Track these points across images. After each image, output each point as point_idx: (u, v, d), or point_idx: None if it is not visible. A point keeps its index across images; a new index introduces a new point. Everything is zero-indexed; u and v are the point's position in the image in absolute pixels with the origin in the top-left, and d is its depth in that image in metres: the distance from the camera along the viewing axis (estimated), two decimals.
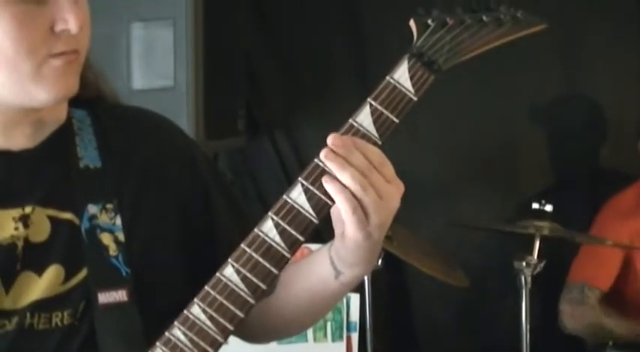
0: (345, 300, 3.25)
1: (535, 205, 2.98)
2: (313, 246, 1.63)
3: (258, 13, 3.82)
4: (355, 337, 3.41)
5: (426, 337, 3.95)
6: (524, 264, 2.96)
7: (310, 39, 3.87)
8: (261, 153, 3.93)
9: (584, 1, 3.84)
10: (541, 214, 3.02)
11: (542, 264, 2.98)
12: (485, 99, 3.80)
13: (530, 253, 2.95)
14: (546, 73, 3.88)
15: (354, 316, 3.43)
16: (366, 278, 3.14)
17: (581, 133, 3.96)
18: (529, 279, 2.98)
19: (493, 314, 3.76)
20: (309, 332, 3.39)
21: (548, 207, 2.95)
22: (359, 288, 3.17)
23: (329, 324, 3.40)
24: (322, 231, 1.45)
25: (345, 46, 3.89)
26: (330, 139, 1.37)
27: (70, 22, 1.41)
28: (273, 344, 1.80)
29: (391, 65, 1.42)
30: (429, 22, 1.41)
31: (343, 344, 3.38)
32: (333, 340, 3.38)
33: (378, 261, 1.50)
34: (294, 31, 3.88)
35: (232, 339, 1.46)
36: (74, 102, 1.56)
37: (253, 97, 3.82)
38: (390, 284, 3.78)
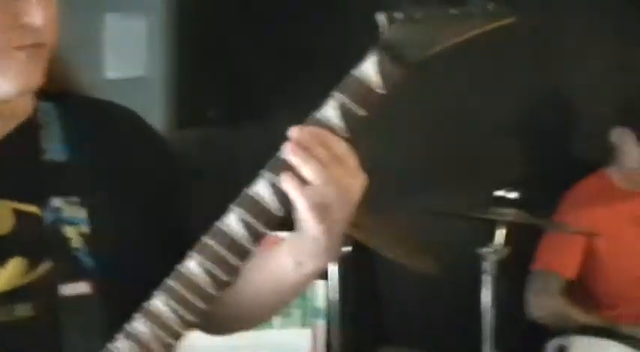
0: (311, 287, 3.26)
1: (499, 193, 3.00)
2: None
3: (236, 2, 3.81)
4: (322, 324, 3.42)
5: (393, 323, 3.98)
6: (488, 250, 2.99)
7: (287, 29, 3.87)
8: (234, 144, 3.93)
9: None
10: (506, 201, 3.04)
11: (506, 250, 3.00)
12: (458, 88, 3.81)
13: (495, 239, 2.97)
14: (520, 63, 3.89)
15: (320, 302, 3.44)
16: (333, 264, 3.15)
17: (553, 123, 3.98)
18: (494, 265, 3.00)
19: (460, 301, 3.79)
20: (275, 319, 3.40)
21: (513, 195, 2.98)
22: (326, 275, 3.20)
23: (295, 311, 3.40)
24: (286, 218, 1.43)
25: (322, 37, 3.88)
26: (294, 132, 1.36)
27: (34, 15, 1.40)
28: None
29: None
30: (397, 15, 1.39)
31: (310, 331, 3.39)
32: (301, 327, 3.39)
33: (340, 252, 1.49)
34: (272, 20, 3.88)
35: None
36: (42, 96, 1.54)
37: (227, 87, 3.83)
38: (358, 270, 3.79)
